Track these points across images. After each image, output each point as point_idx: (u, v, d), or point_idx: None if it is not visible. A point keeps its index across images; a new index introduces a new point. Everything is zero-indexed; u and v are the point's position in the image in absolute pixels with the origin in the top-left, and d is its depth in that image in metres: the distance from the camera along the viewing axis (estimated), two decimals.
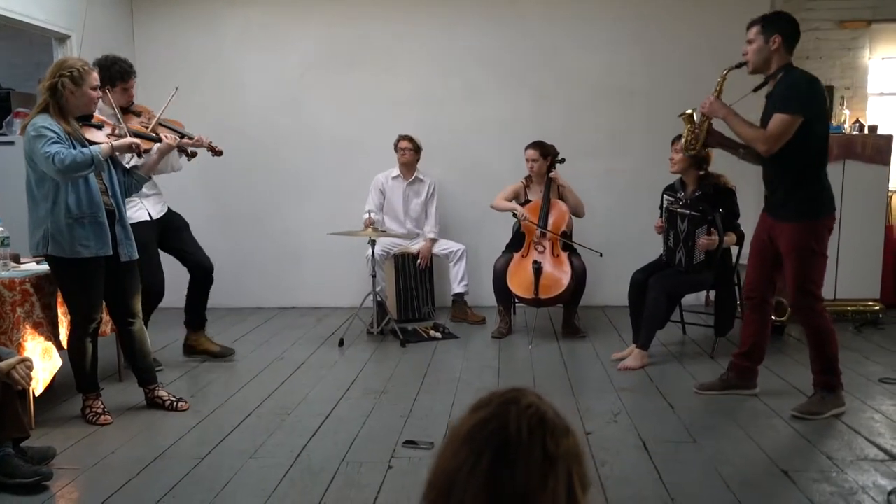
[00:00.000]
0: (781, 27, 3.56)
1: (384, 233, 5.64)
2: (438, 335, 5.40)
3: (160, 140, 3.98)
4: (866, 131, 5.93)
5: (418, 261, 5.92)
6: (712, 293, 5.50)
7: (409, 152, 5.94)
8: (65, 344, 3.78)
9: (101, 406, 3.75)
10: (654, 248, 5.03)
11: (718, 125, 3.84)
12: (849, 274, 5.83)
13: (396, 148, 5.98)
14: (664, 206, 4.73)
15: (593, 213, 5.66)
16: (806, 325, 3.69)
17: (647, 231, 5.11)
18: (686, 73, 6.03)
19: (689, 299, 5.47)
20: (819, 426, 3.53)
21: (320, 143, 6.53)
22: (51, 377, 3.73)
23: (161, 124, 4.23)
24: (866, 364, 4.61)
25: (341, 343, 5.24)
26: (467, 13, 6.36)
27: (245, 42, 6.49)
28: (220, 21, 6.47)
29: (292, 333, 5.67)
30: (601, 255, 5.21)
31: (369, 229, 5.40)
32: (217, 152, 4.49)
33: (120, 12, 6.35)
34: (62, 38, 5.55)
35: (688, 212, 4.53)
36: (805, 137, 3.49)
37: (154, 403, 3.92)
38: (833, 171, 5.70)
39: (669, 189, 4.81)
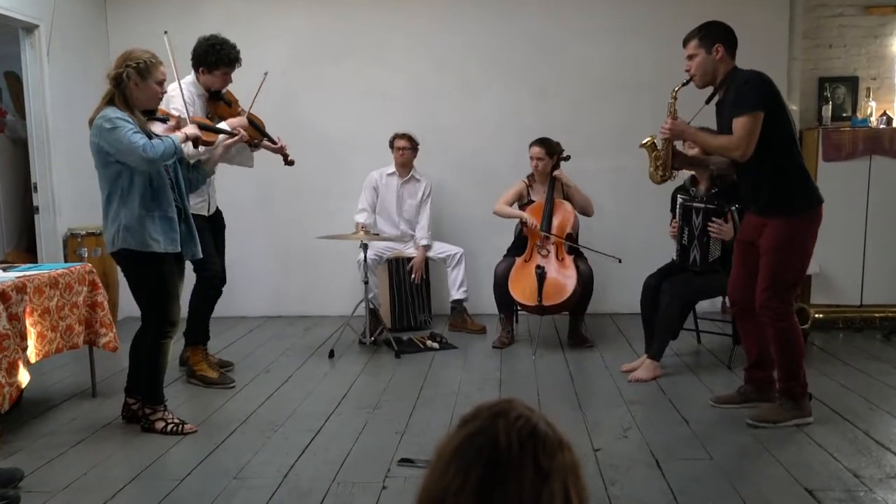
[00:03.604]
0: (720, 36, 3.71)
1: (377, 236, 5.63)
2: (436, 345, 5.39)
3: (227, 133, 4.08)
4: (894, 125, 5.94)
5: (412, 275, 5.92)
6: (728, 298, 5.51)
7: (408, 151, 5.94)
8: (32, 359, 3.77)
9: (173, 415, 3.81)
10: (666, 251, 5.03)
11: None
12: (876, 278, 5.84)
13: (392, 147, 5.97)
14: (679, 203, 4.75)
15: (600, 214, 5.67)
16: (771, 327, 3.73)
17: (658, 233, 5.11)
18: None
19: (703, 305, 5.47)
20: (846, 442, 3.52)
21: (308, 140, 6.51)
22: (17, 393, 3.72)
23: (249, 121, 4.41)
24: (895, 375, 4.61)
25: (332, 354, 5.24)
26: (464, 3, 6.37)
27: (227, 33, 6.38)
28: (199, 12, 6.45)
29: (279, 344, 5.66)
30: (620, 261, 5.19)
31: (361, 232, 5.40)
32: (289, 162, 4.73)
33: (92, 1, 6.36)
34: (29, 28, 5.55)
35: (703, 205, 4.59)
36: (769, 133, 3.58)
37: (135, 417, 3.90)
38: (859, 167, 5.81)
39: (681, 189, 4.84)
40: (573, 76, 6.37)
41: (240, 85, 4.72)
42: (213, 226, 4.74)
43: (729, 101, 3.68)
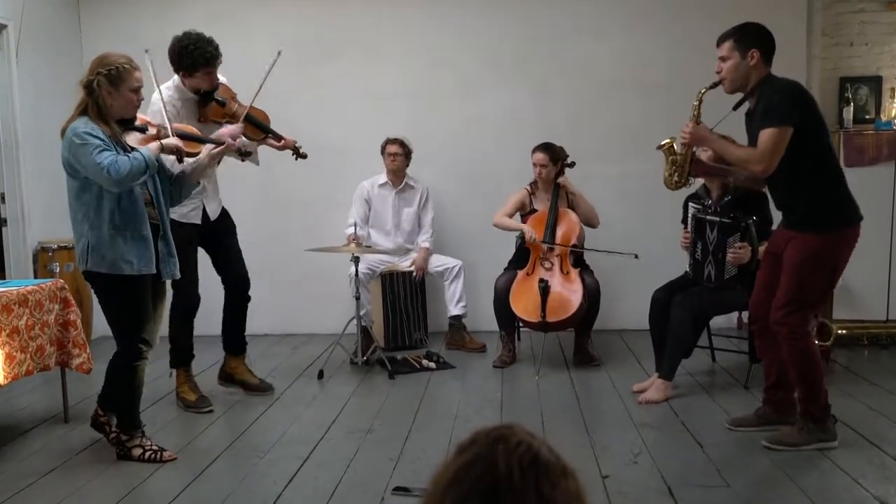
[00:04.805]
0: (758, 40, 3.69)
1: (369, 248, 5.63)
2: (432, 365, 5.39)
3: (212, 142, 3.98)
4: None
5: (414, 273, 5.92)
6: (745, 314, 5.50)
7: (400, 158, 5.95)
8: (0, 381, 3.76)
9: (151, 441, 3.77)
10: (677, 264, 5.03)
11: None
12: None
13: (384, 153, 5.99)
14: (691, 214, 4.75)
15: (606, 224, 5.67)
16: (786, 345, 3.72)
17: (669, 244, 5.11)
18: (709, 62, 5.98)
19: (718, 321, 5.47)
20: (872, 467, 3.52)
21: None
22: None
23: (248, 118, 4.33)
24: None
25: (321, 375, 5.24)
26: None
27: (208, 30, 6.45)
28: (179, 7, 6.47)
29: (265, 364, 5.64)
30: (637, 256, 5.22)
31: (352, 244, 5.40)
32: (301, 155, 4.69)
33: None
34: None
35: (718, 219, 4.56)
36: (802, 147, 3.57)
37: (102, 427, 3.87)
38: (883, 172, 5.80)
39: (693, 197, 4.83)
40: (578, 74, 6.39)
41: (234, 81, 4.69)
42: (214, 233, 4.65)
43: (760, 110, 3.65)
